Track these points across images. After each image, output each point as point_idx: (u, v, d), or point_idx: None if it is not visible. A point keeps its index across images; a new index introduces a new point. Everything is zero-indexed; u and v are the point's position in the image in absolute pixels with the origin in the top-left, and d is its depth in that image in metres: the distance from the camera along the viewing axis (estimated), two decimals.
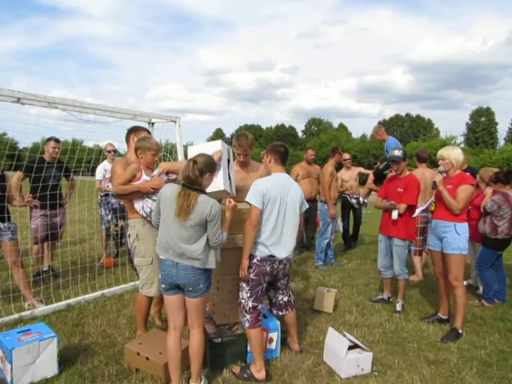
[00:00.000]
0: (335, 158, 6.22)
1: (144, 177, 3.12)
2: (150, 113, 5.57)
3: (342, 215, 7.10)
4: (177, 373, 2.59)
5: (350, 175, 7.07)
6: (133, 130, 3.57)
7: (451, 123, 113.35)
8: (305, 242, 6.97)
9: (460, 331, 3.63)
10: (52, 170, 4.64)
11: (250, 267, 2.90)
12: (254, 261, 2.90)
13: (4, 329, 3.32)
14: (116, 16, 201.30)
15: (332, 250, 6.34)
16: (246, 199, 2.86)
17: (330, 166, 6.09)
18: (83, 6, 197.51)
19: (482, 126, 58.49)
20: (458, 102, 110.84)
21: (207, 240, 2.53)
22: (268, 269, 2.91)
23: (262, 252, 2.89)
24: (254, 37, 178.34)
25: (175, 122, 5.61)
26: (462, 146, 54.41)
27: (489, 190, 4.60)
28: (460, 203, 3.59)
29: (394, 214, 4.07)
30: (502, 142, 57.90)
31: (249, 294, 2.92)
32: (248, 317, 2.90)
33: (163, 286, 2.60)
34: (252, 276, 2.90)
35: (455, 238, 3.62)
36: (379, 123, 63.34)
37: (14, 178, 4.41)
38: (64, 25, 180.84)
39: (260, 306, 2.98)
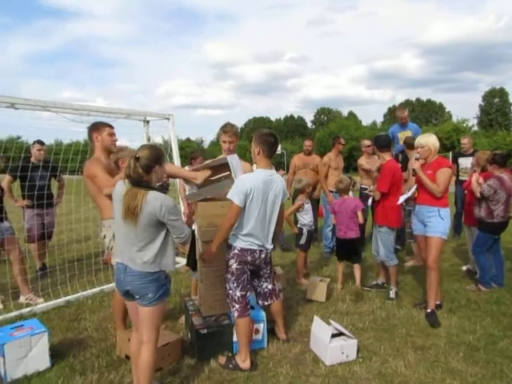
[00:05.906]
0: (335, 148, 6.23)
1: None
2: (143, 111, 5.64)
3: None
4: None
5: (371, 164, 5.96)
6: (94, 129, 3.31)
7: (464, 106, 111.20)
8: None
9: (435, 310, 3.72)
10: (38, 171, 4.80)
11: (231, 258, 2.95)
12: (235, 251, 2.93)
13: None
14: (120, 14, 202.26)
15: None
16: (228, 195, 2.84)
17: (326, 157, 6.17)
18: (87, 7, 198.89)
19: (495, 108, 57.16)
20: (471, 83, 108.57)
21: (163, 240, 2.30)
22: (249, 258, 2.94)
23: (242, 244, 2.92)
24: (260, 27, 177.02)
25: (169, 119, 5.70)
26: (475, 128, 53.23)
27: (475, 176, 4.55)
28: (440, 186, 3.66)
29: (369, 201, 4.11)
30: None
31: (235, 284, 2.95)
32: (237, 306, 2.93)
33: (117, 290, 2.50)
34: (235, 266, 2.93)
35: (439, 221, 3.68)
36: (389, 109, 62.49)
37: (5, 181, 4.65)
38: (69, 26, 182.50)
39: (248, 295, 3.03)
